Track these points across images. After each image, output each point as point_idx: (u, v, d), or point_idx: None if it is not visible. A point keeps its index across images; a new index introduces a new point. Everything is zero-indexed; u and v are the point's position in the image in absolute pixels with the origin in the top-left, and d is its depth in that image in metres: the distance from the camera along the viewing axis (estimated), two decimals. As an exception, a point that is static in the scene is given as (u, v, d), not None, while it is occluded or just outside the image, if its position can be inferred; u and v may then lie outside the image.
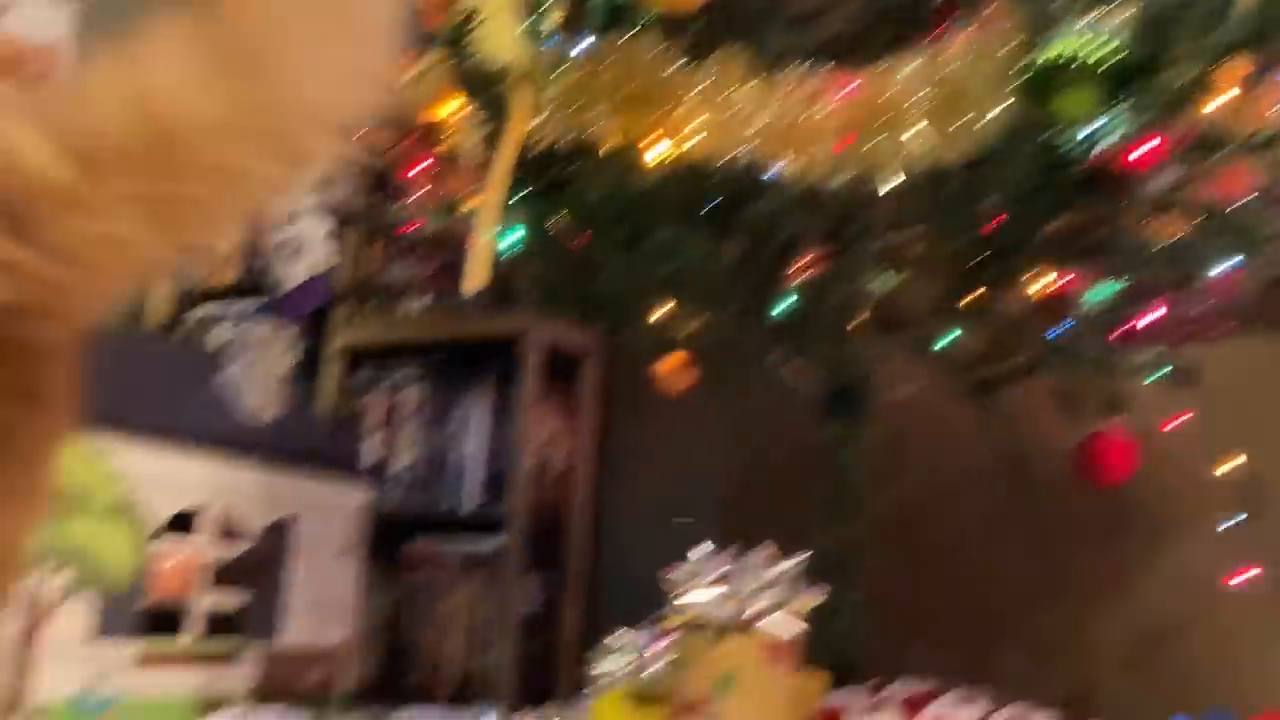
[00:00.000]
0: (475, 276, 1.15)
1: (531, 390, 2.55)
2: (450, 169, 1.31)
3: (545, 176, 1.25)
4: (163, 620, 1.82)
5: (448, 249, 1.41)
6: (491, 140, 1.19)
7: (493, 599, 2.49)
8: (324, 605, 2.11)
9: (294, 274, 2.94)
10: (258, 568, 1.98)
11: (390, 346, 2.78)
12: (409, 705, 2.43)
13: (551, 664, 2.59)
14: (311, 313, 2.93)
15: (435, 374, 2.74)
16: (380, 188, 2.82)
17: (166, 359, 2.05)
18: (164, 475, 1.83)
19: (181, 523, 1.86)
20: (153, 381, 1.95)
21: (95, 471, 1.70)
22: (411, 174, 1.39)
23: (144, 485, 1.80)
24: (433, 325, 2.68)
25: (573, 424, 2.74)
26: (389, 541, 2.63)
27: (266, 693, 1.99)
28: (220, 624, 1.93)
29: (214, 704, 1.89)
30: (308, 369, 2.91)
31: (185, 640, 1.86)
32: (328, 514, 2.13)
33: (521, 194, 1.25)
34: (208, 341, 3.12)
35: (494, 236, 1.21)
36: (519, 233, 1.30)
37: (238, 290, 3.17)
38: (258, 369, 2.09)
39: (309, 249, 2.92)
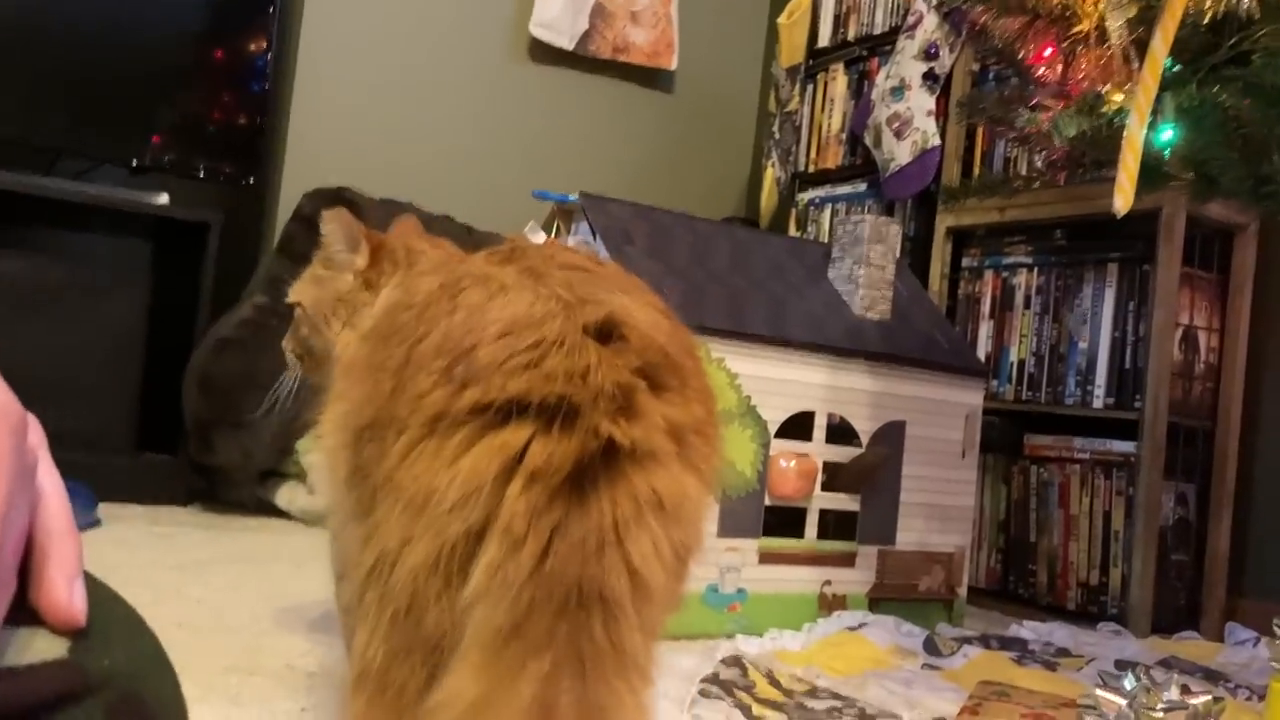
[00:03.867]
0: (1125, 193, 0.94)
1: (1171, 273, 2.21)
2: (1086, 56, 1.10)
3: (1216, 54, 0.99)
4: (782, 520, 1.87)
5: (1075, 140, 1.20)
6: (1139, 19, 0.96)
7: (1127, 507, 2.25)
8: (940, 509, 2.04)
9: (899, 152, 2.82)
10: (871, 471, 1.94)
11: (1001, 227, 2.57)
12: (1027, 611, 2.31)
13: (1195, 585, 2.30)
14: (917, 193, 2.81)
15: (1053, 256, 2.49)
16: (998, 65, 2.58)
17: (776, 263, 2.05)
18: (777, 380, 1.84)
19: (796, 427, 1.87)
20: (763, 289, 1.97)
21: (716, 377, 1.76)
22: (1040, 60, 1.19)
23: (759, 390, 1.83)
24: (1050, 203, 2.42)
25: (1222, 312, 2.35)
26: (1005, 437, 2.48)
27: (883, 593, 1.97)
28: (837, 525, 1.94)
29: (834, 602, 1.91)
30: (914, 255, 2.81)
31: (804, 540, 1.89)
32: (941, 417, 2.03)
33: (1181, 78, 1.00)
34: (815, 235, 3.14)
35: (1144, 137, 0.99)
36: (1172, 130, 1.05)
37: (843, 173, 3.14)
38: (865, 268, 2.02)
39: (914, 125, 2.78)
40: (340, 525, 0.91)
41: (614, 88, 3.50)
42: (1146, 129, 0.97)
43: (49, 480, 0.50)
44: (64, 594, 0.48)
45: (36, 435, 0.49)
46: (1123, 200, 0.96)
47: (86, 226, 2.69)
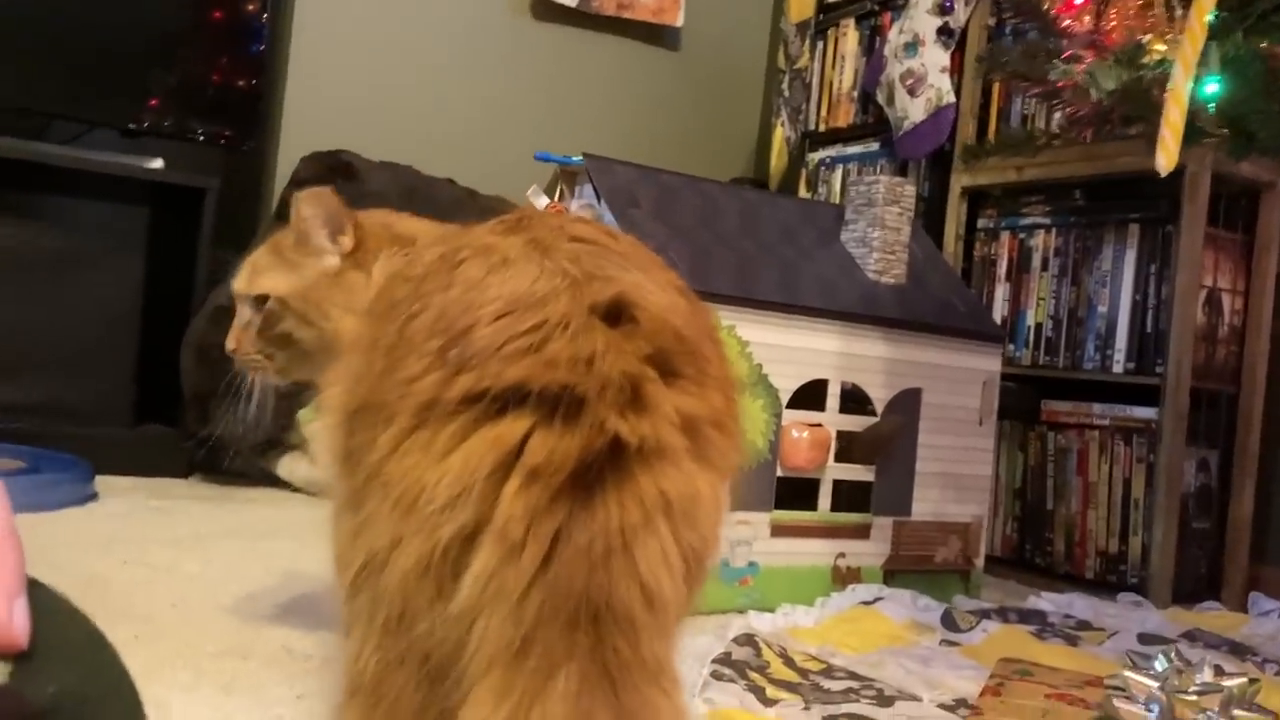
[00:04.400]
0: (1169, 151, 0.88)
1: (1195, 234, 2.14)
2: (1119, 4, 1.02)
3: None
4: (795, 492, 1.81)
5: (1114, 94, 1.13)
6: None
7: (1147, 474, 2.19)
8: (956, 479, 1.98)
9: (913, 110, 2.74)
10: (886, 441, 1.89)
11: (1019, 186, 2.50)
12: (1044, 581, 2.26)
13: (1216, 553, 2.24)
14: (932, 152, 2.73)
15: (1072, 217, 2.42)
16: (1015, 19, 2.49)
17: (786, 226, 1.98)
18: (789, 347, 1.79)
19: (808, 396, 1.81)
20: (774, 253, 1.90)
21: (725, 345, 1.70)
22: (1069, 9, 1.11)
23: (770, 358, 1.77)
24: (1069, 162, 2.34)
25: (1247, 273, 2.28)
26: (1022, 402, 2.42)
27: (898, 565, 1.92)
28: (851, 496, 1.89)
29: (849, 575, 1.87)
30: (928, 216, 2.73)
31: (817, 512, 1.83)
32: (957, 384, 1.97)
33: (1227, 26, 0.93)
34: (825, 196, 3.06)
35: (1190, 91, 0.92)
36: (1218, 83, 0.98)
37: (855, 132, 3.06)
38: (880, 231, 1.96)
39: (929, 82, 2.71)
40: (335, 513, 0.85)
41: (618, 45, 3.41)
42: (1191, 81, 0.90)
43: None
44: (1, 614, 0.43)
45: None
46: (1166, 159, 0.89)
47: (80, 193, 2.63)
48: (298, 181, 2.74)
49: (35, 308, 2.44)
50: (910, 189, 2.02)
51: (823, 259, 1.95)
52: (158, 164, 2.59)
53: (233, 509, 2.21)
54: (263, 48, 2.76)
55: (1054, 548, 2.34)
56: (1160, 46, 0.98)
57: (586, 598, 0.56)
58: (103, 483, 2.19)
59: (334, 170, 2.76)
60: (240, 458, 2.53)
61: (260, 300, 1.17)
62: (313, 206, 1.11)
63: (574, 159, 1.82)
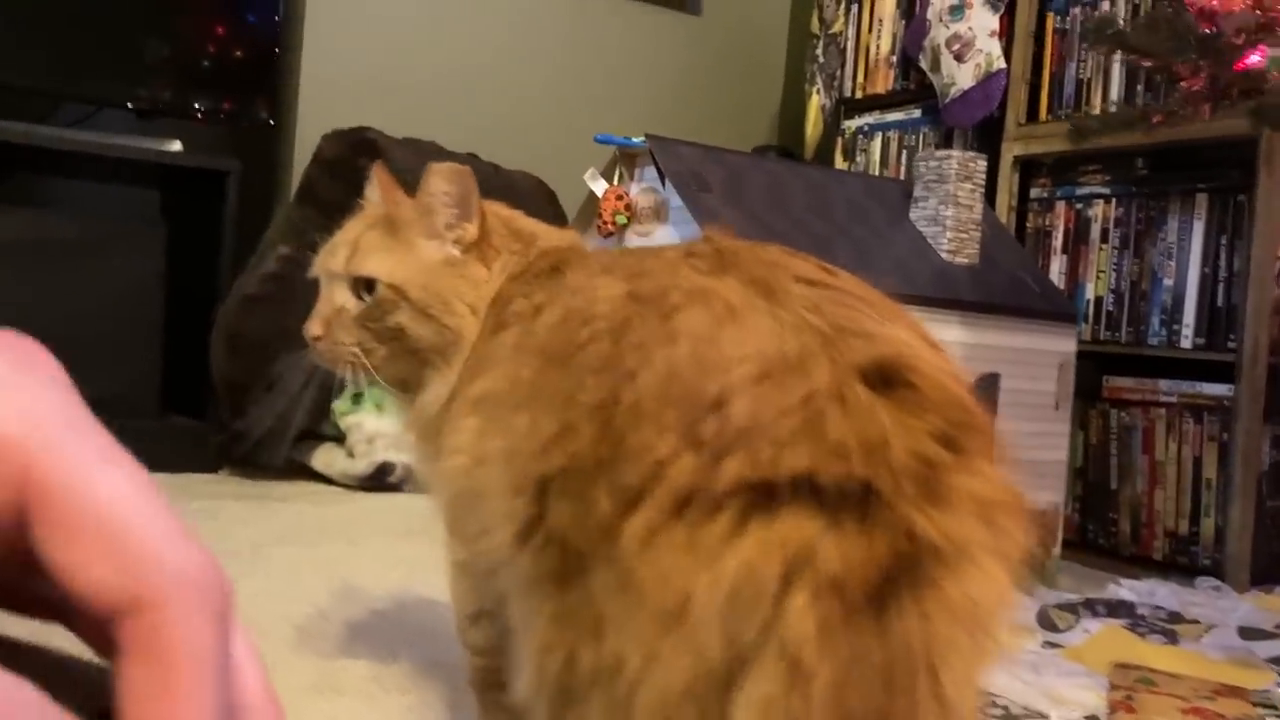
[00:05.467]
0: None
1: (1272, 203, 2.06)
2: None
3: None
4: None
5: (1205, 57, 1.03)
6: None
7: (1219, 453, 2.12)
8: (1032, 466, 1.91)
9: (960, 76, 2.64)
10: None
11: (1074, 155, 2.41)
12: (1108, 562, 2.20)
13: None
14: (981, 120, 2.64)
15: (1134, 187, 2.33)
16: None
17: (855, 205, 1.89)
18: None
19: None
20: (847, 234, 1.81)
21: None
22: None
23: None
24: (1130, 129, 2.25)
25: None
26: (1082, 379, 2.34)
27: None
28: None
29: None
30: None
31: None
32: (1033, 367, 1.90)
33: None
34: (864, 166, 2.96)
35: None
36: None
37: (895, 98, 2.96)
38: (953, 208, 1.87)
39: (977, 47, 2.61)
40: (490, 575, 0.76)
41: (638, 11, 3.29)
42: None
43: (241, 646, 0.36)
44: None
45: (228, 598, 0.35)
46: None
47: (94, 177, 2.51)
48: (322, 160, 2.63)
49: (53, 298, 2.33)
50: (982, 163, 1.93)
51: (895, 239, 1.86)
52: (175, 146, 2.47)
53: (275, 508, 2.12)
54: (278, 20, 2.64)
55: (1119, 529, 2.28)
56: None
57: None
58: (136, 483, 2.09)
59: (358, 148, 2.65)
60: (271, 450, 2.44)
61: (362, 284, 0.96)
62: (448, 182, 0.95)
63: (635, 140, 1.72)
